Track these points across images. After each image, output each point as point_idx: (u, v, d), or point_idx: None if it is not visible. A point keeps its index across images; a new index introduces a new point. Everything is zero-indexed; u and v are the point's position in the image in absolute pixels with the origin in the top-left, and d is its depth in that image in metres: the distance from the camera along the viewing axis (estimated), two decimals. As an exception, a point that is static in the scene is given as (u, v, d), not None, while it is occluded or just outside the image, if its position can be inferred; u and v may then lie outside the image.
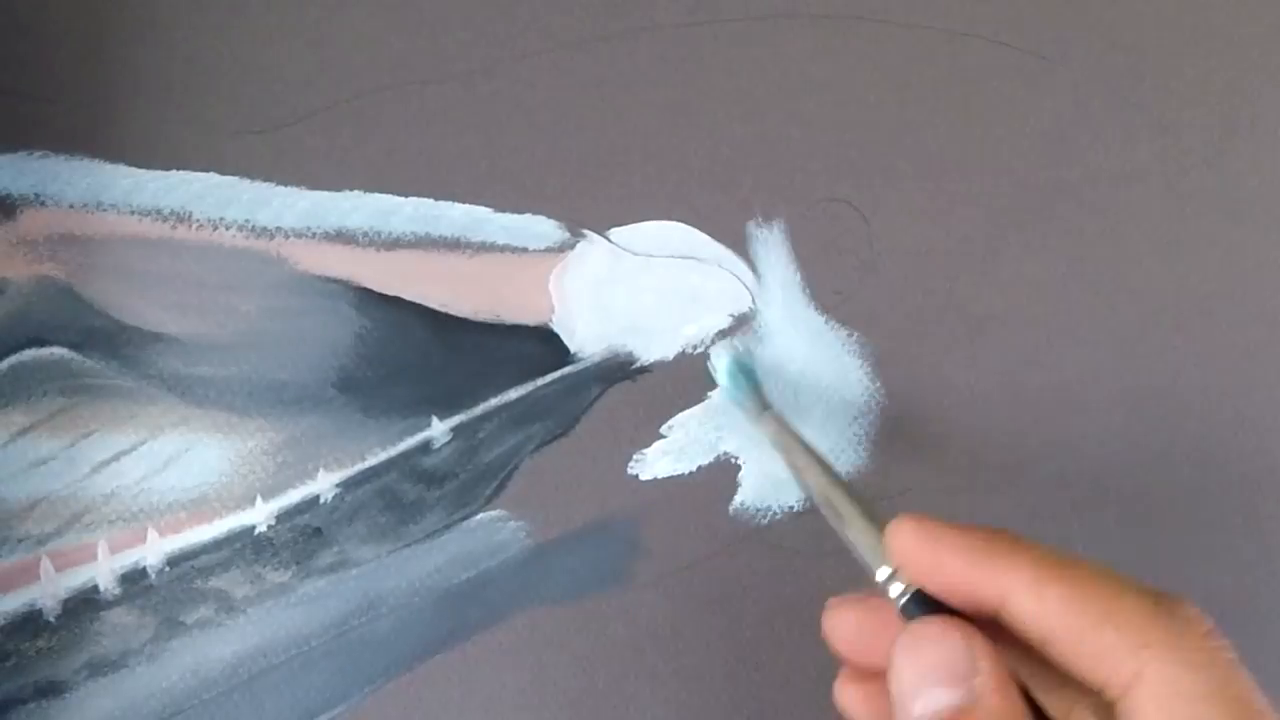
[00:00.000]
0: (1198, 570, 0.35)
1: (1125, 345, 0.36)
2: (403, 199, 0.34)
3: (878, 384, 0.35)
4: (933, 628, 0.23)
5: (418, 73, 0.35)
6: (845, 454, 0.34)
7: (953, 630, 0.23)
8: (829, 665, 0.33)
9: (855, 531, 0.26)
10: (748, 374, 0.33)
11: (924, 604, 0.24)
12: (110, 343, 0.33)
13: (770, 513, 0.34)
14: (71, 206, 0.33)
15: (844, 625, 0.26)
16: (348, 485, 0.33)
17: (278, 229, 0.34)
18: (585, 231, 0.34)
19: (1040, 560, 0.22)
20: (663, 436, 0.34)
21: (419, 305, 0.34)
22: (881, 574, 0.25)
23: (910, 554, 0.24)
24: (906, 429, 0.35)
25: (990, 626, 0.24)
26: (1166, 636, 0.21)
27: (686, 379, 0.34)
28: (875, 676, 0.25)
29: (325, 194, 0.34)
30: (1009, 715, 0.22)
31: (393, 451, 0.33)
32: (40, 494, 0.32)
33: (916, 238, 0.35)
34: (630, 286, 0.34)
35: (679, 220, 0.35)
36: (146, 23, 0.34)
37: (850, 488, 0.27)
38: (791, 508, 0.34)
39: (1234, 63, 0.37)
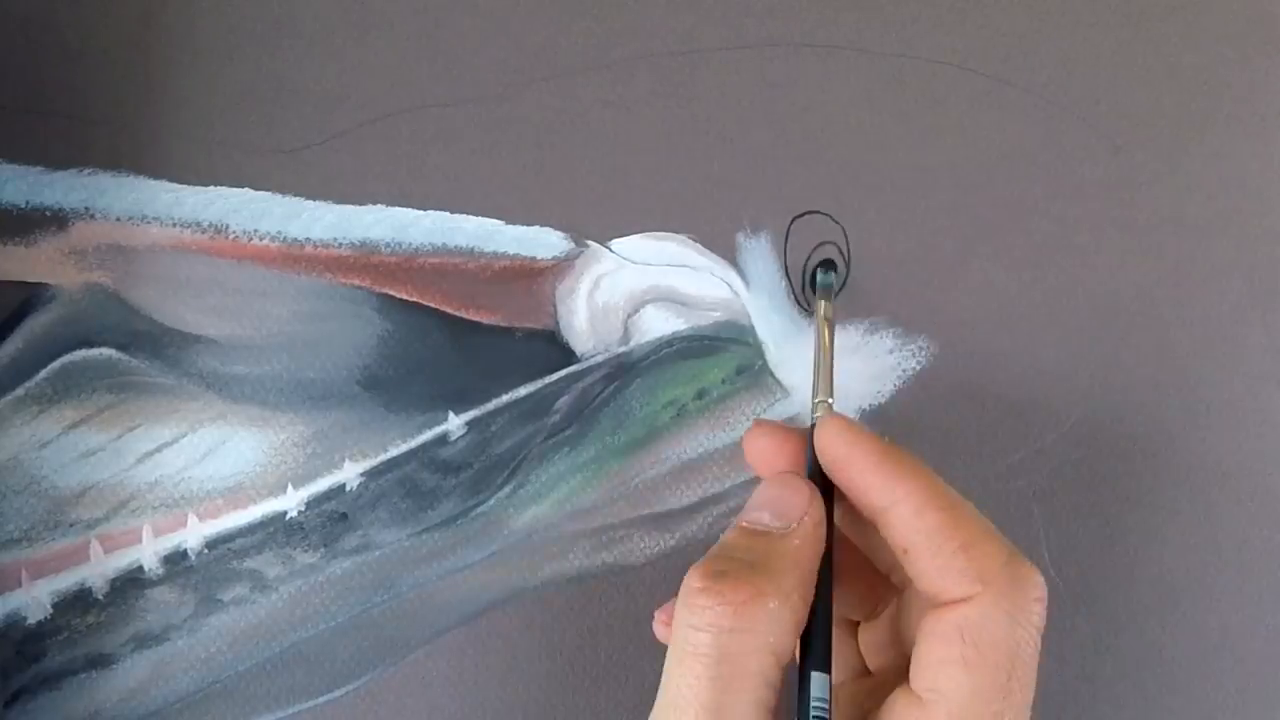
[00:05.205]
0: (1150, 552, 0.35)
1: (1082, 346, 0.36)
2: (422, 212, 0.35)
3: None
4: (795, 478, 0.26)
5: (435, 96, 0.35)
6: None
7: (804, 487, 0.25)
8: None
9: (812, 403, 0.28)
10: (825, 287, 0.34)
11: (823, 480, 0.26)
12: (154, 344, 0.34)
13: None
14: (118, 219, 0.34)
15: (759, 442, 0.27)
16: (371, 474, 0.34)
17: (307, 240, 0.34)
18: (589, 242, 0.35)
19: (931, 484, 0.24)
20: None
21: (436, 310, 0.35)
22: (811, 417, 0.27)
23: (829, 446, 0.26)
24: (878, 421, 0.35)
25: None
26: (1003, 584, 0.23)
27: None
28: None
29: (350, 208, 0.35)
30: (814, 538, 0.24)
31: (412, 443, 0.34)
32: (90, 482, 0.33)
33: (891, 247, 0.36)
34: (629, 292, 0.35)
35: (674, 231, 0.35)
36: (187, 52, 0.35)
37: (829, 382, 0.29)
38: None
39: (1179, 89, 0.38)
